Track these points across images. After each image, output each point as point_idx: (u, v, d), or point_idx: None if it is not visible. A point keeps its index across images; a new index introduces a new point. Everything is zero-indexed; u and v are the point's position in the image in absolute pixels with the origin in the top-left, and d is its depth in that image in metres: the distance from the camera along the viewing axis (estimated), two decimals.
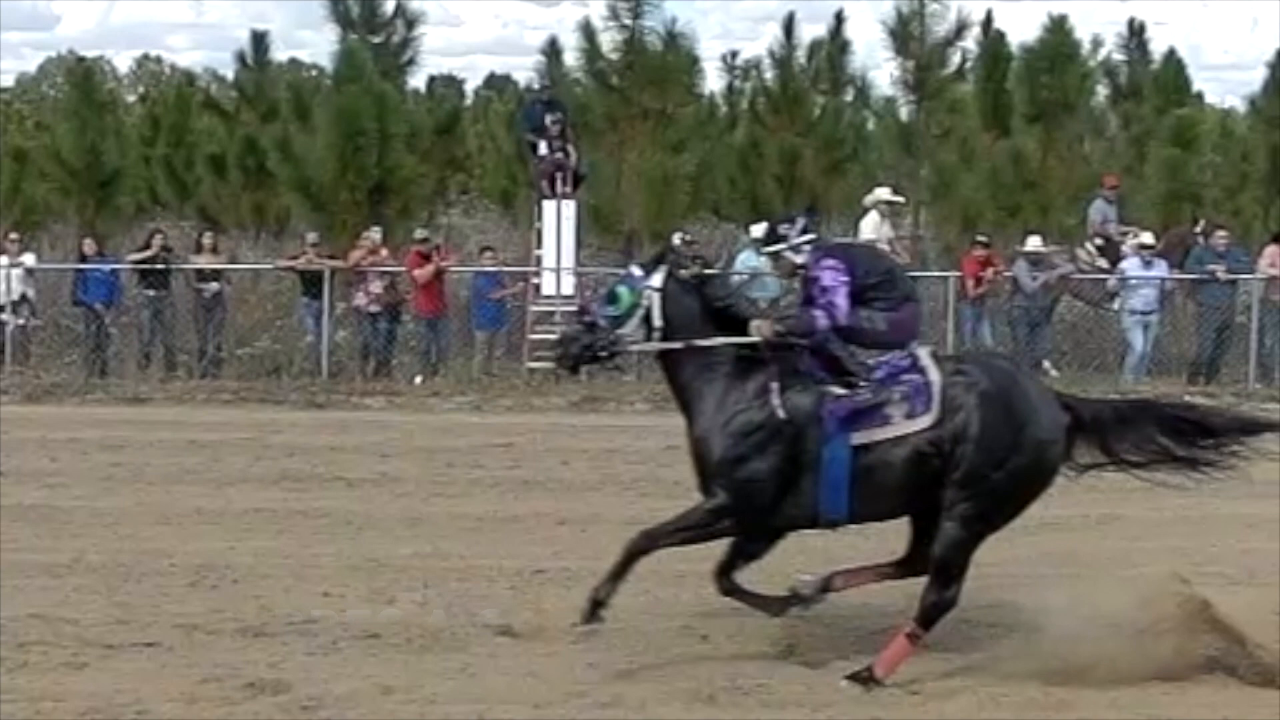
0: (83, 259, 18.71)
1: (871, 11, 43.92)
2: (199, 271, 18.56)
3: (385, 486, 12.07)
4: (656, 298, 7.64)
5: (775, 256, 7.83)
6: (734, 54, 27.41)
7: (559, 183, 19.03)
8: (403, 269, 18.26)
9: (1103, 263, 18.96)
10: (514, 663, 7.55)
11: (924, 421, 7.20)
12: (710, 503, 7.40)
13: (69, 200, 22.23)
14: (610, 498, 11.70)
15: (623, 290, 7.67)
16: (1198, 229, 19.39)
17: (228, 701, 7.04)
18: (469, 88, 33.17)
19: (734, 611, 7.99)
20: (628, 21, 20.65)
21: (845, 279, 7.41)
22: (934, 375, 7.29)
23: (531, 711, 6.98)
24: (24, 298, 18.52)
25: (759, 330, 7.48)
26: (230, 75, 27.20)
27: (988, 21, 23.12)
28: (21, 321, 18.48)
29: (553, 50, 22.02)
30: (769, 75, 24.59)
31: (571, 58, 21.25)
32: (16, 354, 18.35)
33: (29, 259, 18.91)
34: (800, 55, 24.43)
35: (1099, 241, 19.28)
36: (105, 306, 18.30)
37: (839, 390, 7.30)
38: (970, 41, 22.61)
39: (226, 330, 18.64)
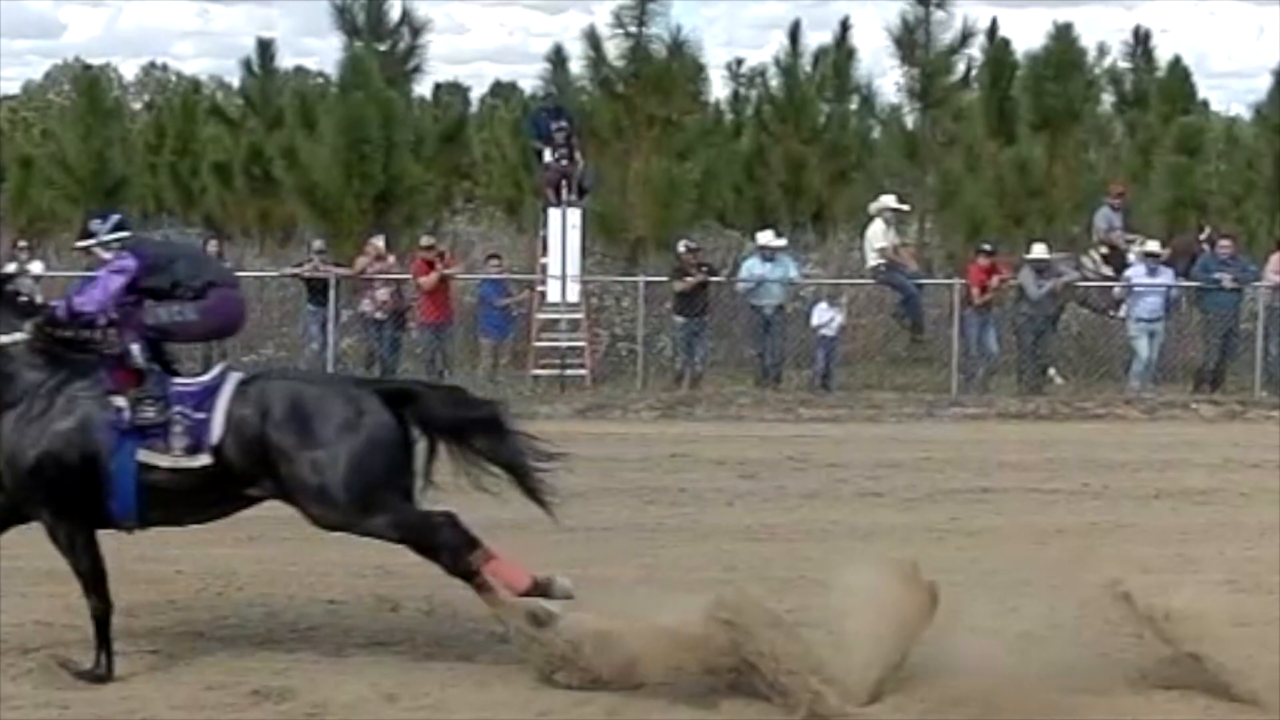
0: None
1: (877, 19, 43.94)
2: None
3: None
4: None
5: (86, 251, 7.90)
6: (739, 61, 27.44)
7: (564, 190, 19.04)
8: (408, 276, 18.28)
9: (1108, 270, 18.96)
10: (519, 670, 7.53)
11: (201, 460, 7.30)
12: None
13: (75, 208, 22.24)
14: (616, 505, 11.69)
15: None
16: (1203, 236, 19.39)
17: (233, 708, 7.05)
18: (474, 95, 33.11)
19: None
20: (633, 29, 20.70)
21: (122, 272, 7.50)
22: (220, 411, 7.34)
23: (537, 719, 6.98)
24: None
25: (26, 328, 7.55)
26: (236, 83, 27.29)
27: (993, 29, 23.19)
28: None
29: (558, 58, 22.02)
30: (774, 83, 24.66)
31: (577, 65, 21.31)
32: None
33: (36, 266, 18.92)
34: (805, 63, 24.51)
35: (1104, 249, 19.27)
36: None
37: (122, 404, 7.36)
38: (975, 49, 22.70)
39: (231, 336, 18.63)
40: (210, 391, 7.41)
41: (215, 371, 7.60)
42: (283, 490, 7.36)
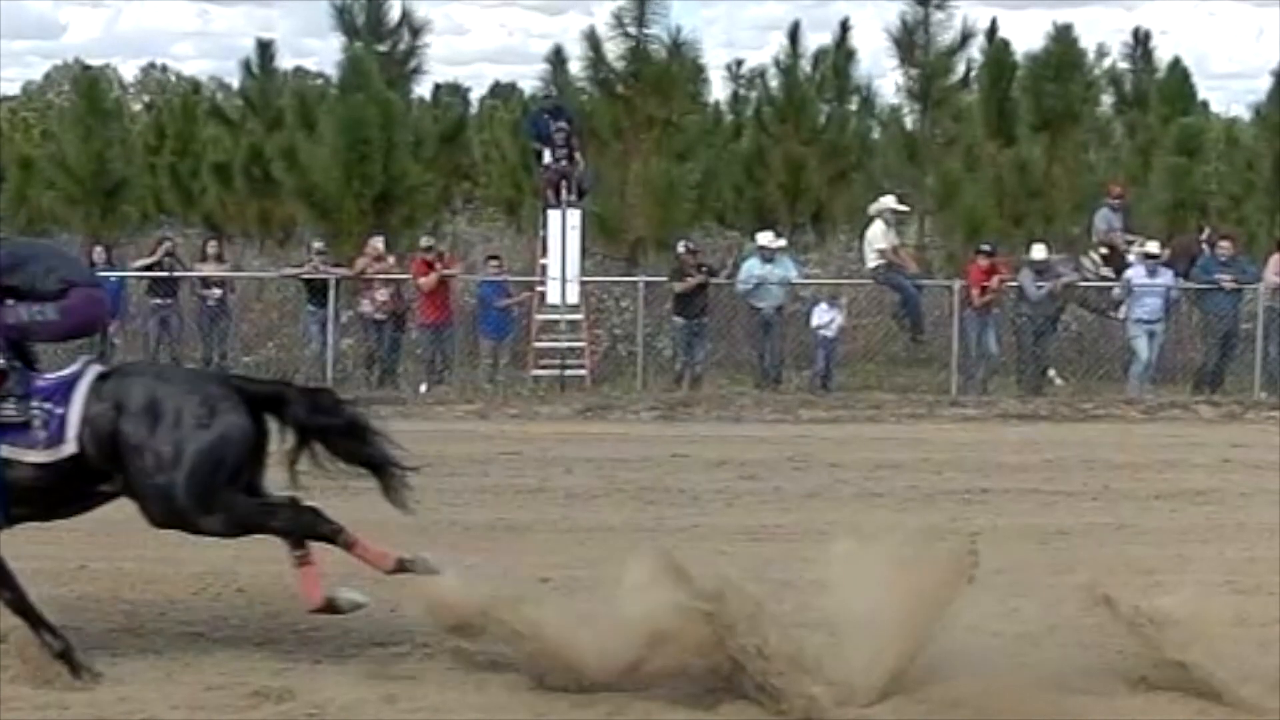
0: (91, 266, 18.71)
1: (877, 20, 43.94)
2: (204, 279, 18.61)
3: None
4: None
5: None
6: (739, 62, 27.43)
7: (564, 191, 19.04)
8: (408, 277, 18.29)
9: (1107, 271, 18.97)
10: (519, 672, 7.53)
11: (63, 451, 7.37)
12: None
13: (75, 208, 22.28)
14: (616, 506, 11.70)
15: None
16: (1203, 237, 19.40)
17: (233, 709, 7.05)
18: (474, 96, 33.12)
19: None
20: (633, 30, 20.70)
21: None
22: (77, 406, 7.42)
23: None
24: None
25: None
26: (236, 83, 27.28)
27: (992, 30, 23.21)
28: None
29: (558, 58, 22.05)
30: (774, 84, 24.65)
31: (577, 66, 21.32)
32: None
33: None
34: (805, 64, 24.50)
35: (1104, 250, 19.28)
36: (110, 315, 18.31)
37: None
38: (975, 50, 22.70)
39: (231, 338, 18.67)
40: (69, 386, 7.47)
41: (75, 366, 7.63)
42: (129, 486, 7.43)
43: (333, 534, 7.54)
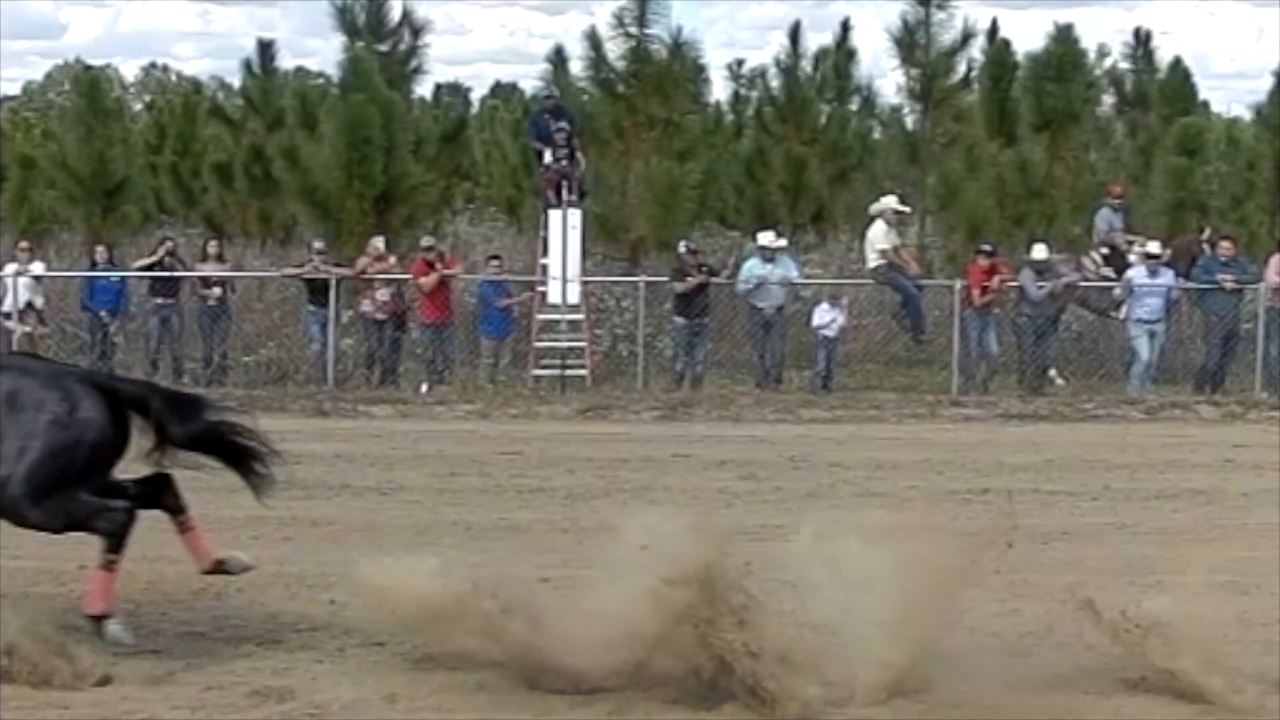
0: (93, 266, 18.75)
1: (877, 20, 43.91)
2: (204, 279, 18.62)
3: (391, 495, 12.06)
4: None
5: None
6: (740, 63, 27.37)
7: (564, 191, 19.04)
8: (408, 277, 18.30)
9: (1108, 271, 18.97)
10: (519, 671, 7.53)
11: None
12: None
13: (75, 208, 22.27)
14: (616, 506, 11.68)
15: None
16: (1204, 237, 19.39)
17: (233, 709, 7.05)
18: (475, 96, 33.09)
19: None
20: (634, 30, 20.71)
21: None
22: None
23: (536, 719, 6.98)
24: (30, 305, 18.54)
25: None
26: (237, 83, 27.20)
27: (993, 30, 23.19)
28: (28, 329, 18.50)
29: (559, 59, 22.03)
30: (775, 84, 24.61)
31: (578, 66, 21.33)
32: None
33: (38, 267, 18.94)
34: (806, 64, 24.46)
35: (1104, 250, 19.28)
36: (111, 314, 18.34)
37: None
38: (976, 50, 22.70)
39: (232, 337, 18.67)
40: None
41: None
42: None
43: (176, 509, 7.74)
